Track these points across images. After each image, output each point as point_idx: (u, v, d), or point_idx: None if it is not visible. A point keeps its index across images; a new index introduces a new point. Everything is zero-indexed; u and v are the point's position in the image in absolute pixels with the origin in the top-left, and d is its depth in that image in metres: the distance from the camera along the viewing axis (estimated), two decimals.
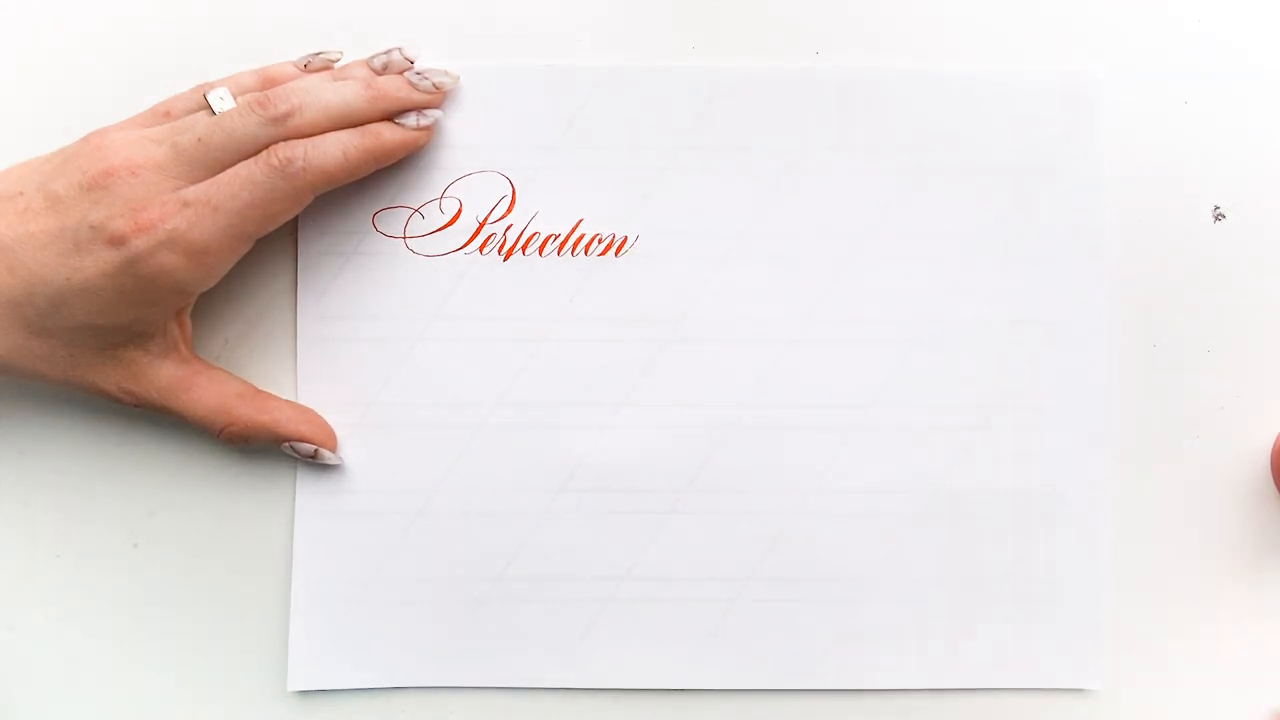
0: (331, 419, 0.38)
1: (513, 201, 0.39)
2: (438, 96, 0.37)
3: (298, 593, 0.38)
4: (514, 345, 0.39)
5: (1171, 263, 0.39)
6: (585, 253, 0.39)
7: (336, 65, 0.37)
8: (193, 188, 0.34)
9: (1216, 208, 0.40)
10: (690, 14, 0.39)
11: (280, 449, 0.38)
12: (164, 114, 0.36)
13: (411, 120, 0.37)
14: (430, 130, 0.37)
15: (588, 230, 0.39)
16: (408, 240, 0.39)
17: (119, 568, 0.39)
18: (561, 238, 0.39)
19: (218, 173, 0.34)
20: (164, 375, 0.36)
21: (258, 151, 0.34)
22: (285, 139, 0.35)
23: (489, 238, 0.39)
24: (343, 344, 0.39)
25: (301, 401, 0.38)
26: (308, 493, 0.39)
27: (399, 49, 0.37)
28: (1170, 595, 0.39)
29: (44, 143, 0.37)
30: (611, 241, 0.39)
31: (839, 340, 0.39)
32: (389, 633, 0.38)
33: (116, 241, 0.33)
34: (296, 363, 0.39)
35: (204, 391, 0.36)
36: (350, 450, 0.39)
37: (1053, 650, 0.39)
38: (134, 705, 0.39)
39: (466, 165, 0.39)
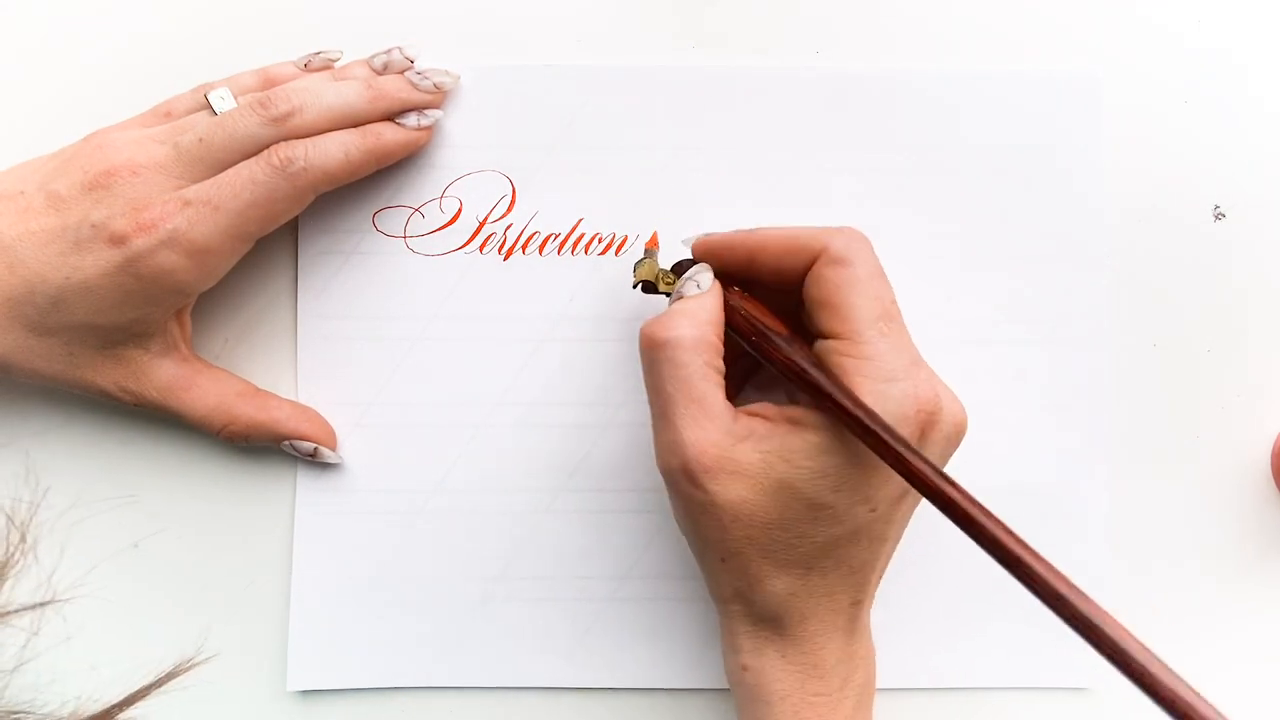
0: (331, 418, 0.38)
1: (513, 201, 0.39)
2: (438, 96, 0.37)
3: (298, 593, 0.38)
4: (514, 345, 0.39)
5: (1171, 263, 0.39)
6: (585, 252, 0.39)
7: (336, 65, 0.37)
8: (194, 187, 0.34)
9: (1216, 207, 0.40)
10: (690, 13, 0.39)
11: (280, 448, 0.38)
12: (165, 114, 0.36)
13: (412, 120, 0.37)
14: (431, 130, 0.37)
15: (588, 230, 0.39)
16: (408, 240, 0.39)
17: (119, 568, 0.39)
18: (561, 237, 0.39)
19: (219, 173, 0.34)
20: (164, 374, 0.36)
21: (259, 151, 0.34)
22: (286, 139, 0.35)
23: (489, 237, 0.39)
24: (343, 344, 0.39)
25: (301, 401, 0.38)
26: (308, 493, 0.38)
27: (399, 49, 0.37)
28: (1170, 595, 0.39)
29: (45, 143, 0.37)
30: (611, 241, 0.39)
31: None
32: (389, 633, 0.38)
33: (117, 241, 0.33)
34: (296, 362, 0.39)
35: (204, 390, 0.36)
36: (350, 450, 0.39)
37: (1053, 650, 0.38)
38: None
39: (466, 165, 0.39)
